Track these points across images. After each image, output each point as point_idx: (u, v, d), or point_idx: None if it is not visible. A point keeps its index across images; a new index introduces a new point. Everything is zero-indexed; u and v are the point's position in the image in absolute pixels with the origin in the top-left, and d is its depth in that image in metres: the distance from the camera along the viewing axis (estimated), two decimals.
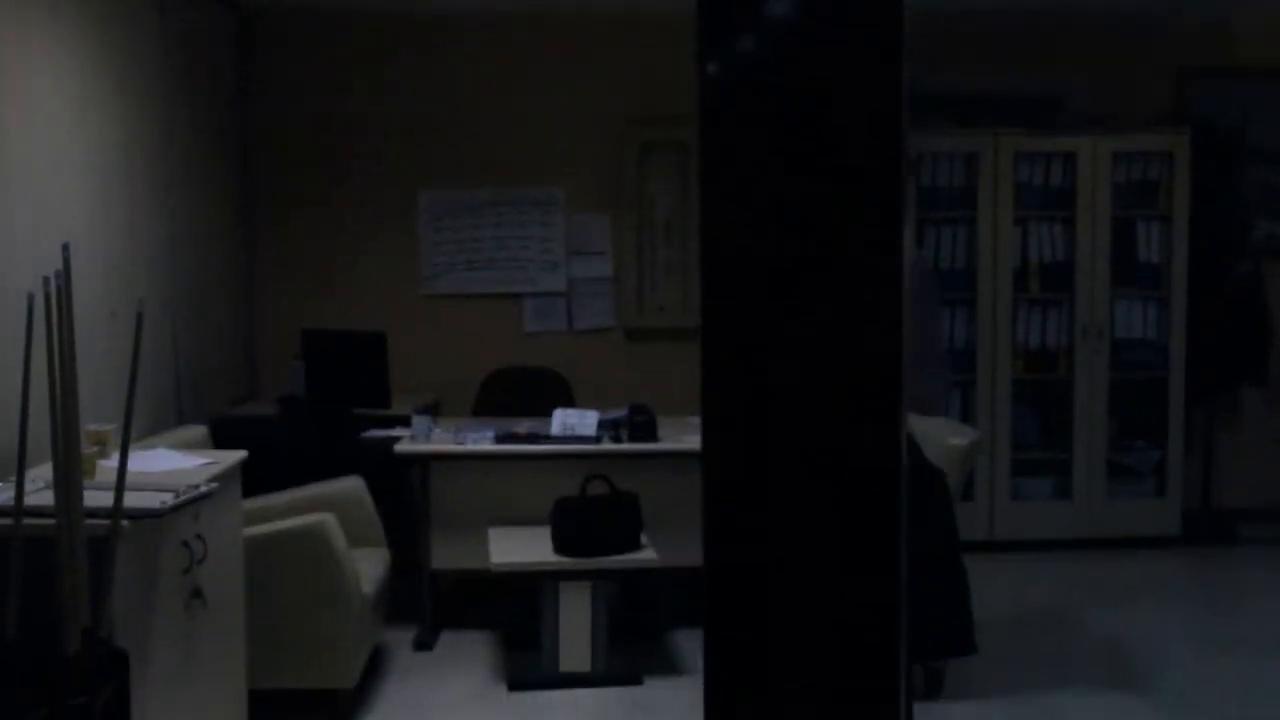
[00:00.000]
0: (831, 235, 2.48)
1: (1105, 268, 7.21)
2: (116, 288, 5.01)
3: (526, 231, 7.39)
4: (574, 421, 5.74)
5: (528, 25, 7.24)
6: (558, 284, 7.41)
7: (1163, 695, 5.01)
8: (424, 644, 5.60)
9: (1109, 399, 7.29)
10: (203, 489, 3.80)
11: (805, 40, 2.48)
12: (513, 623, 5.76)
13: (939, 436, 5.10)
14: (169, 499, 3.57)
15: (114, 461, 3.44)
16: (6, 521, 3.20)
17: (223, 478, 4.07)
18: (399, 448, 5.63)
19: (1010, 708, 4.88)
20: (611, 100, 7.31)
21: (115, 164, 5.13)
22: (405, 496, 5.67)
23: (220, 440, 5.23)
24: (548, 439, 5.67)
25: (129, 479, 3.35)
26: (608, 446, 5.64)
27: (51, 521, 3.19)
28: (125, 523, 3.33)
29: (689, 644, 5.55)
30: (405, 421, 5.84)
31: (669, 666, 5.36)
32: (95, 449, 3.94)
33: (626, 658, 5.29)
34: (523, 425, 5.80)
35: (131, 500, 3.39)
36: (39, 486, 3.44)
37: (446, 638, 5.72)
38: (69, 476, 3.19)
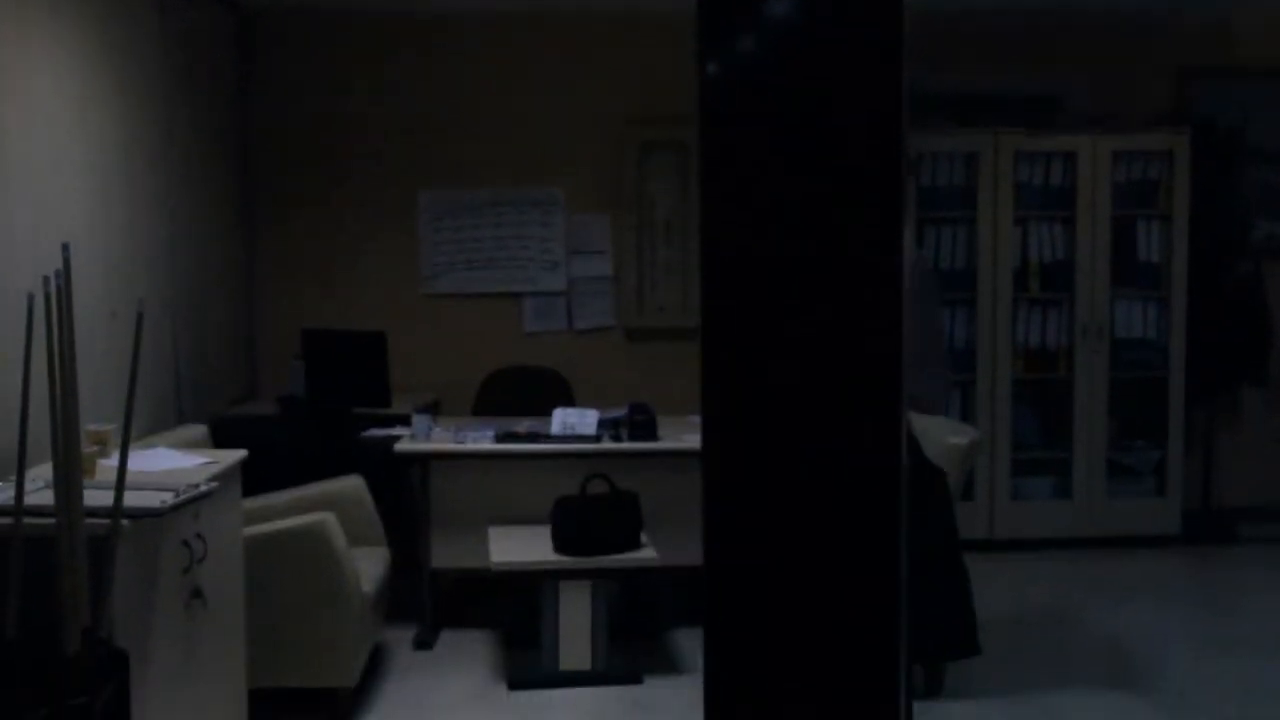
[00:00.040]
0: (831, 235, 2.48)
1: (1105, 267, 7.22)
2: (117, 287, 5.01)
3: (526, 231, 7.39)
4: (574, 421, 5.74)
5: (528, 25, 7.24)
6: (558, 284, 7.42)
7: (1163, 695, 5.01)
8: (424, 643, 5.60)
9: (1109, 398, 7.29)
10: (203, 488, 3.80)
11: (805, 40, 2.48)
12: (513, 622, 5.76)
13: (939, 436, 5.10)
14: (169, 498, 3.57)
15: (114, 461, 3.44)
16: (6, 521, 3.20)
17: (223, 477, 4.07)
18: (399, 447, 5.63)
19: (1010, 707, 4.88)
20: (611, 100, 7.31)
21: (115, 164, 5.13)
22: (405, 496, 5.67)
23: (220, 440, 5.23)
24: (548, 438, 5.67)
25: (129, 478, 3.35)
26: (608, 446, 5.64)
27: (51, 521, 3.19)
28: (125, 522, 3.34)
29: (689, 643, 5.55)
30: (405, 421, 5.84)
31: (669, 665, 5.36)
32: (95, 448, 3.94)
33: (627, 657, 5.30)
34: (523, 424, 5.81)
35: (131, 500, 3.39)
36: (39, 486, 3.44)
37: (446, 637, 5.72)
38: (69, 476, 3.19)
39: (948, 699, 4.91)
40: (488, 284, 7.38)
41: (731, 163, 2.49)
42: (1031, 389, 7.34)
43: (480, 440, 5.66)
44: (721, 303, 2.51)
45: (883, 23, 2.44)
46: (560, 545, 5.15)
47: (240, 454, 4.38)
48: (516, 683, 5.15)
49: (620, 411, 5.81)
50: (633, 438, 5.67)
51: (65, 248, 3.25)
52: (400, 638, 5.61)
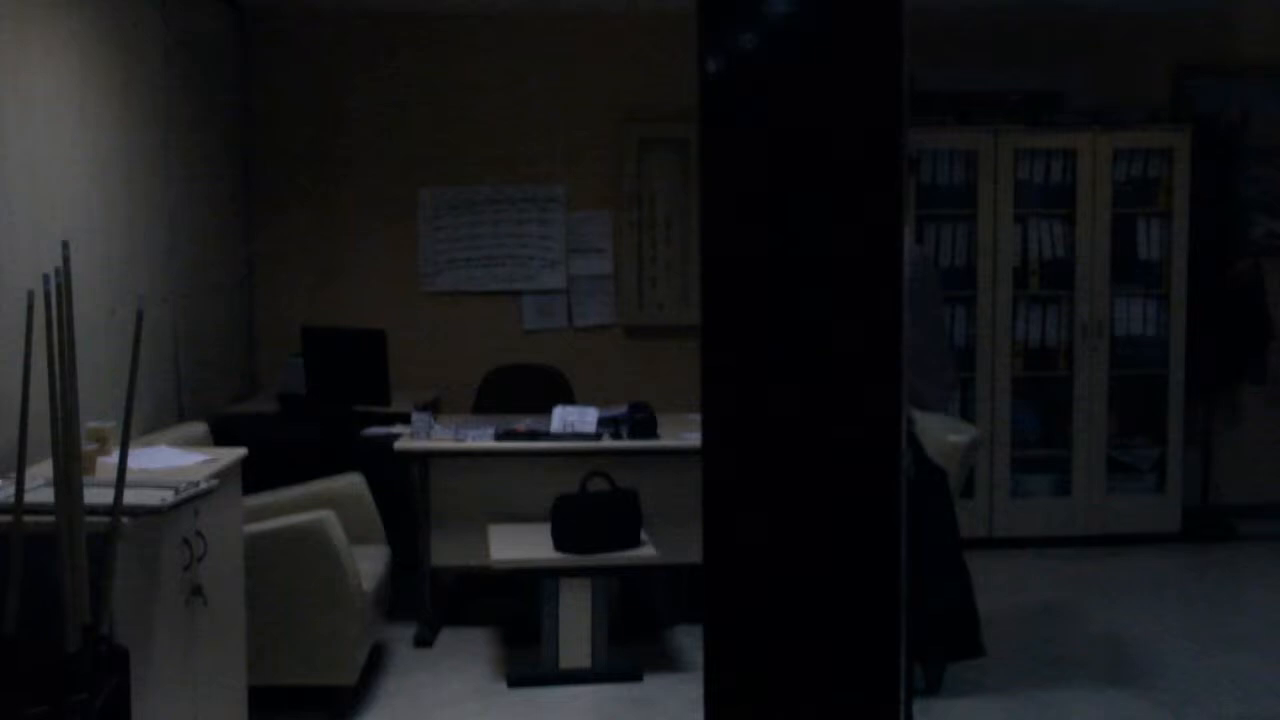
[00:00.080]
0: (831, 232, 2.48)
1: (1105, 265, 7.22)
2: (117, 285, 5.02)
3: (526, 229, 7.39)
4: (574, 419, 5.74)
5: (528, 22, 7.24)
6: (558, 281, 7.42)
7: (1162, 692, 5.02)
8: (424, 641, 5.61)
9: (1109, 396, 7.29)
10: (203, 486, 3.81)
11: (805, 37, 2.48)
12: (513, 620, 5.77)
13: (939, 433, 5.10)
14: (169, 496, 3.57)
15: (114, 459, 3.44)
16: (7, 519, 3.20)
17: (223, 475, 4.07)
18: (399, 445, 5.64)
19: (1010, 705, 4.88)
20: (611, 97, 7.31)
21: (115, 162, 5.13)
22: (405, 494, 5.67)
23: (220, 437, 5.24)
24: (548, 436, 5.67)
25: (129, 476, 3.35)
26: (608, 444, 5.64)
27: (52, 519, 3.19)
28: (125, 520, 3.34)
29: (689, 641, 5.56)
30: (405, 419, 5.84)
31: (669, 663, 5.36)
32: (95, 446, 3.94)
33: (626, 655, 5.30)
34: (523, 422, 5.81)
35: (132, 497, 3.39)
36: (39, 484, 3.44)
37: (446, 634, 5.72)
38: (69, 474, 3.19)
39: (947, 697, 4.91)
40: (488, 282, 7.39)
41: (732, 160, 2.49)
42: (1031, 386, 7.35)
43: (480, 438, 5.66)
44: (721, 300, 2.51)
45: (883, 20, 2.44)
46: (560, 543, 5.15)
47: (240, 452, 4.38)
48: (516, 680, 5.15)
49: (620, 409, 5.81)
50: (633, 436, 5.68)
51: (65, 246, 3.25)
52: (400, 635, 5.61)
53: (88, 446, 3.75)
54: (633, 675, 5.18)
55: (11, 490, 3.22)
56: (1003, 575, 6.45)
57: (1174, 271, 7.25)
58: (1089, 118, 7.25)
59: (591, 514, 5.17)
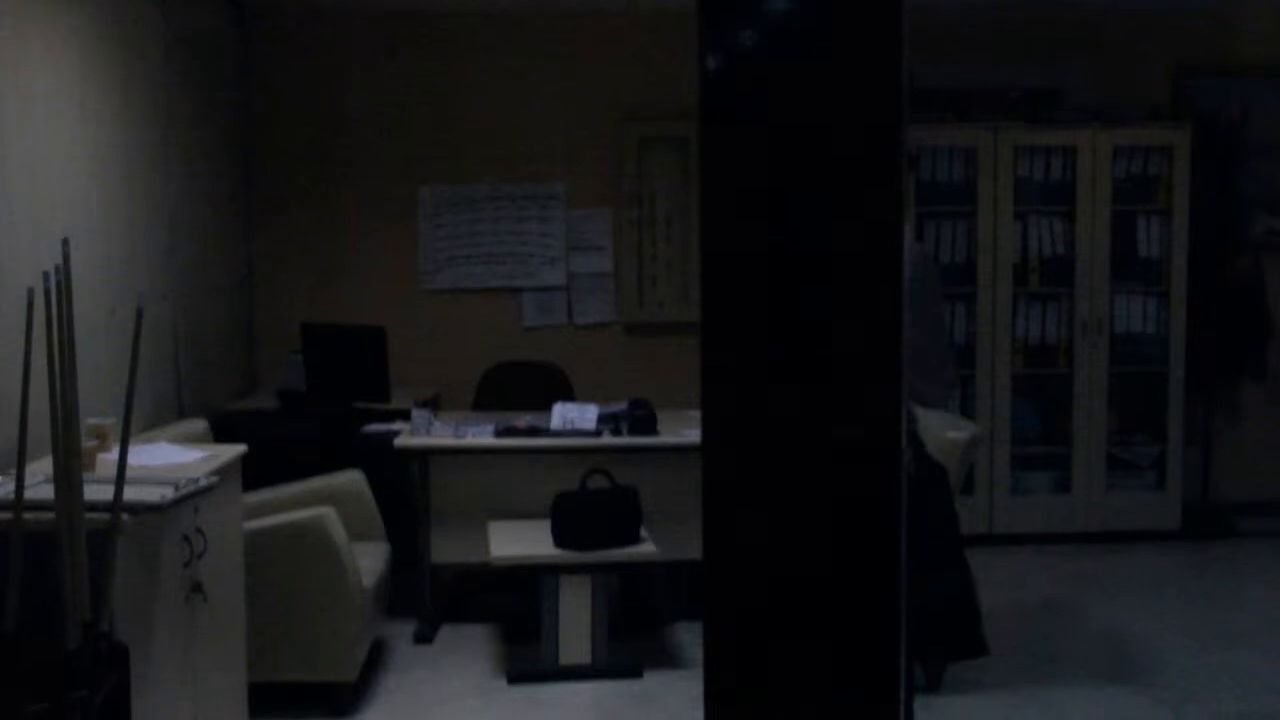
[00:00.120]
0: (831, 230, 2.49)
1: (1105, 262, 7.22)
2: (117, 282, 5.02)
3: (526, 226, 7.39)
4: (574, 415, 5.74)
5: (528, 20, 7.24)
6: (558, 279, 7.42)
7: (1162, 689, 5.02)
8: (424, 637, 5.61)
9: (1108, 393, 7.29)
10: (203, 483, 3.81)
11: (805, 35, 2.48)
12: (513, 616, 5.77)
13: (938, 431, 5.10)
14: (169, 493, 3.57)
15: (114, 455, 3.43)
16: (6, 515, 3.20)
17: (223, 472, 4.07)
18: (399, 442, 5.64)
19: (1010, 702, 4.88)
20: (612, 95, 7.31)
21: (115, 159, 5.13)
22: (405, 490, 5.67)
23: (220, 434, 5.24)
24: (547, 433, 5.67)
25: (129, 473, 3.35)
26: (607, 440, 5.64)
27: (51, 515, 3.19)
28: (125, 517, 3.34)
29: (689, 637, 5.56)
30: (405, 416, 5.84)
31: (669, 660, 5.36)
32: (95, 443, 3.95)
33: (626, 651, 5.30)
34: (522, 419, 5.81)
35: (131, 494, 3.39)
36: (39, 480, 3.44)
37: (446, 631, 5.73)
38: (69, 470, 3.19)
39: (947, 694, 4.91)
40: (488, 279, 7.39)
41: (732, 158, 2.49)
42: (1031, 384, 7.34)
43: (480, 435, 5.66)
44: (721, 298, 2.51)
45: (883, 17, 2.44)
46: (560, 540, 5.15)
47: (240, 449, 4.38)
48: (516, 677, 5.16)
49: (620, 406, 5.81)
50: (632, 432, 5.68)
51: (65, 243, 3.25)
52: (400, 632, 5.61)
53: (88, 443, 3.75)
54: (633, 672, 5.18)
55: (11, 487, 3.22)
56: (1003, 572, 6.45)
57: (1174, 269, 7.25)
58: (1089, 115, 7.24)
59: (591, 511, 5.17)
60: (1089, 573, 6.73)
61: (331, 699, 4.77)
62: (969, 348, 7.20)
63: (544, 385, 6.64)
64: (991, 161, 7.15)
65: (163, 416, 5.49)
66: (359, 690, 4.94)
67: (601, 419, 5.73)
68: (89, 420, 3.91)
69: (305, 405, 6.29)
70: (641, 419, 5.69)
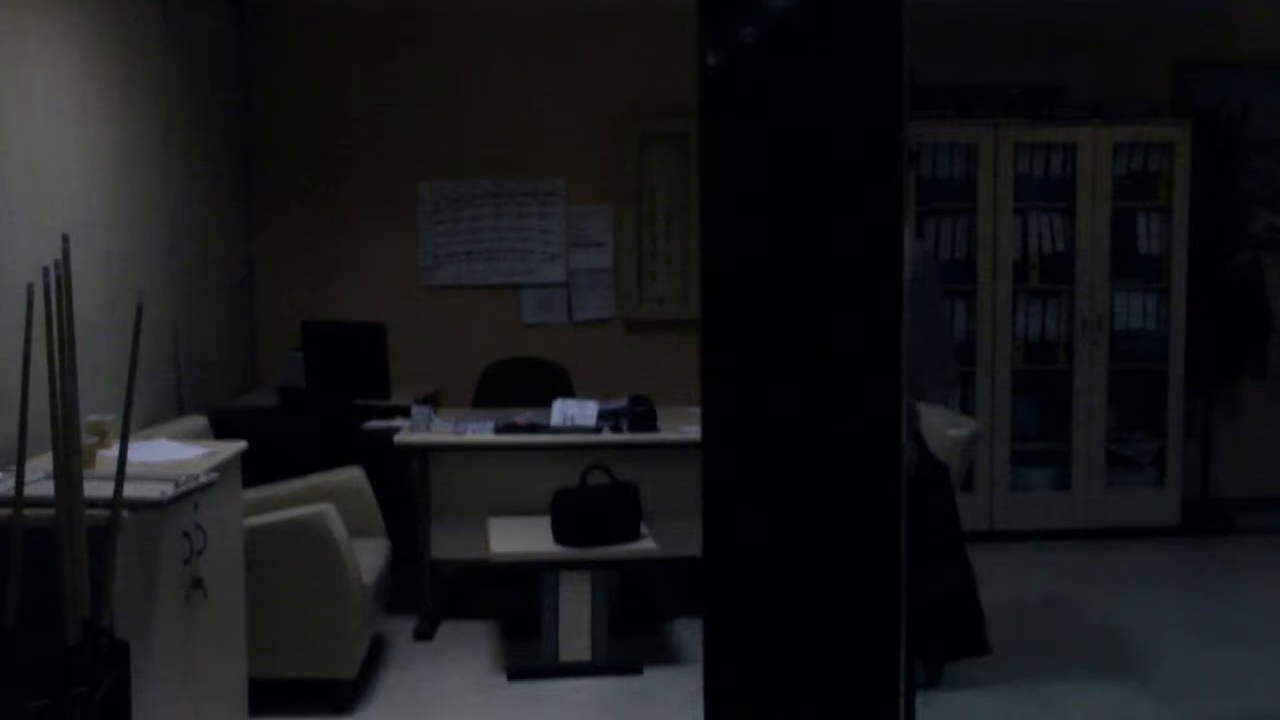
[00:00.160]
0: (831, 227, 2.48)
1: (1105, 259, 7.22)
2: (117, 279, 5.02)
3: (526, 223, 7.39)
4: (574, 412, 5.74)
5: (529, 16, 7.23)
6: (557, 275, 7.42)
7: (1161, 685, 5.02)
8: (424, 634, 5.61)
9: (1108, 390, 7.30)
10: (203, 479, 3.81)
11: (805, 31, 2.47)
12: (513, 613, 5.78)
13: (938, 427, 5.10)
14: (169, 489, 3.57)
15: (114, 452, 3.44)
16: (6, 512, 3.21)
17: (223, 468, 4.08)
18: (399, 438, 5.64)
19: (1010, 698, 4.89)
20: (612, 91, 7.31)
21: (115, 155, 5.13)
22: (405, 487, 5.68)
23: (220, 431, 5.24)
24: (547, 430, 5.67)
25: (129, 469, 3.36)
26: (607, 437, 5.64)
27: (51, 512, 3.19)
28: (125, 513, 3.34)
29: (689, 634, 5.56)
30: (405, 412, 5.85)
31: (669, 656, 5.37)
32: (95, 439, 3.95)
33: (626, 647, 5.30)
34: (522, 416, 5.81)
35: (131, 490, 3.39)
36: (39, 477, 3.44)
37: (446, 628, 5.73)
38: (69, 467, 3.19)
39: (947, 690, 4.92)
40: (488, 275, 7.39)
41: (732, 154, 2.49)
42: (1031, 380, 7.35)
43: (480, 431, 5.67)
44: (721, 294, 2.51)
45: (883, 14, 2.44)
46: (560, 536, 5.15)
47: (240, 445, 4.38)
48: (516, 673, 5.16)
49: (620, 403, 5.82)
50: (632, 429, 5.68)
51: (65, 239, 3.25)
52: (400, 629, 5.61)
53: (88, 440, 3.75)
54: (633, 668, 5.18)
55: (11, 483, 3.22)
56: (1002, 569, 6.45)
57: (1174, 265, 7.25)
58: (1089, 111, 7.25)
59: (591, 507, 5.18)
60: (1089, 569, 6.74)
61: (332, 695, 4.78)
62: (969, 344, 7.21)
63: (544, 382, 6.64)
64: (992, 158, 7.16)
65: (163, 413, 5.49)
66: (359, 687, 4.94)
67: (601, 415, 5.73)
68: (89, 417, 3.91)
69: (305, 402, 6.30)
70: (641, 415, 5.69)
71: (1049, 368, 7.33)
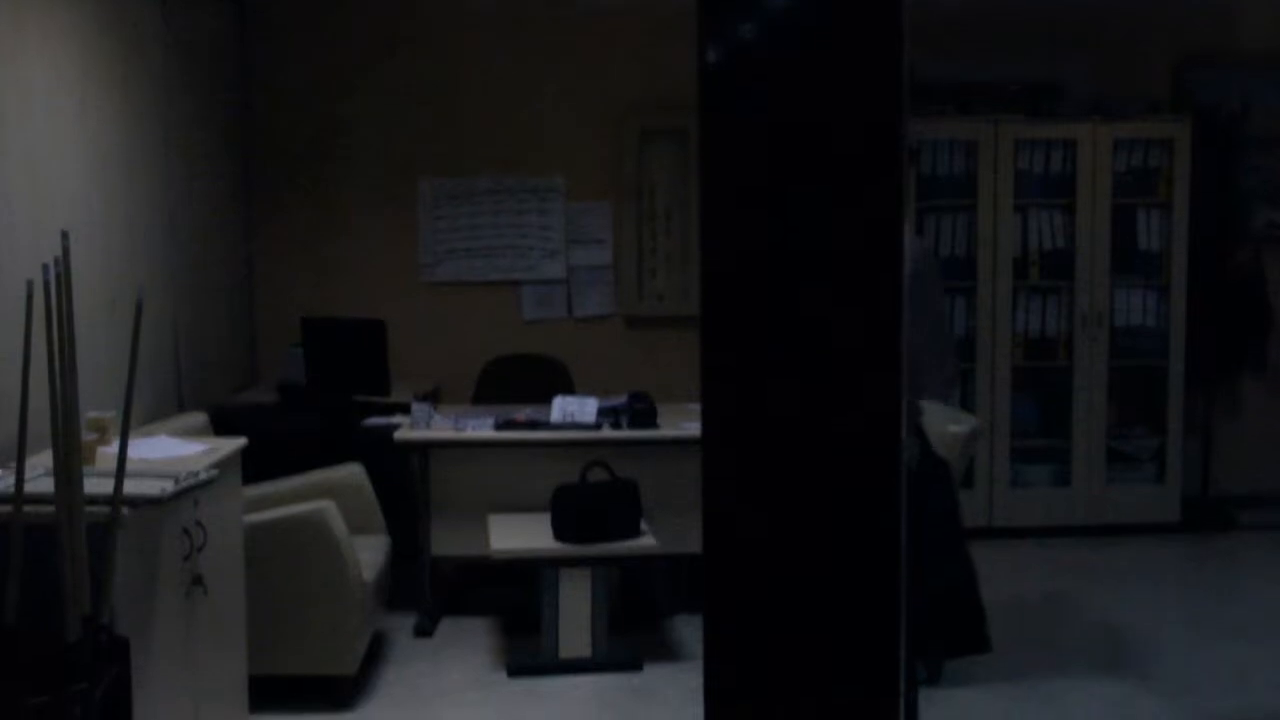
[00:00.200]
0: (831, 223, 2.48)
1: (1105, 255, 7.22)
2: (117, 275, 5.01)
3: (526, 219, 7.38)
4: (574, 409, 5.74)
5: (529, 12, 7.22)
6: (557, 272, 7.41)
7: (1161, 681, 5.02)
8: (424, 630, 5.61)
9: (1108, 386, 7.30)
10: (203, 476, 3.81)
11: (805, 28, 2.47)
12: (513, 609, 5.78)
13: (939, 424, 5.09)
14: (169, 486, 3.57)
15: (114, 448, 3.44)
16: (7, 508, 3.21)
17: (223, 465, 4.08)
18: (399, 435, 5.64)
19: (1010, 694, 4.89)
20: (612, 87, 7.30)
21: (115, 152, 5.12)
22: (405, 484, 5.68)
23: (220, 427, 5.24)
24: (547, 426, 5.67)
25: (129, 466, 3.35)
26: (607, 434, 5.64)
27: (51, 509, 3.19)
28: (125, 510, 3.34)
29: (689, 630, 5.56)
30: (405, 409, 5.85)
31: (669, 653, 5.37)
32: (95, 436, 3.95)
33: (626, 644, 5.31)
34: (522, 412, 5.81)
35: (131, 487, 3.39)
36: (39, 473, 3.44)
37: (447, 624, 5.73)
38: (69, 463, 3.19)
39: (947, 686, 4.92)
40: (487, 272, 7.38)
41: (732, 151, 2.49)
42: (1031, 377, 7.35)
43: (480, 428, 5.67)
44: (721, 291, 2.51)
45: (883, 10, 2.44)
46: (560, 533, 5.15)
47: (240, 442, 4.38)
48: (516, 670, 5.16)
49: (620, 399, 5.82)
50: (632, 426, 5.68)
51: (65, 235, 3.25)
52: (400, 625, 5.62)
53: (87, 436, 3.75)
54: (633, 665, 5.18)
55: (11, 480, 3.22)
56: (1002, 565, 6.44)
57: (1174, 262, 7.25)
58: (1089, 108, 7.24)
59: (591, 504, 5.18)
60: (1089, 566, 6.74)
61: (331, 692, 4.78)
62: (969, 341, 7.21)
63: (544, 378, 6.64)
64: (992, 155, 7.15)
65: (163, 410, 5.49)
66: (359, 683, 4.94)
67: (601, 412, 5.73)
68: (89, 413, 3.91)
69: (305, 399, 6.29)
70: (641, 412, 5.69)
71: (1049, 364, 7.33)
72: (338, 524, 4.74)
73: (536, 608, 5.22)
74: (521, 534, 5.22)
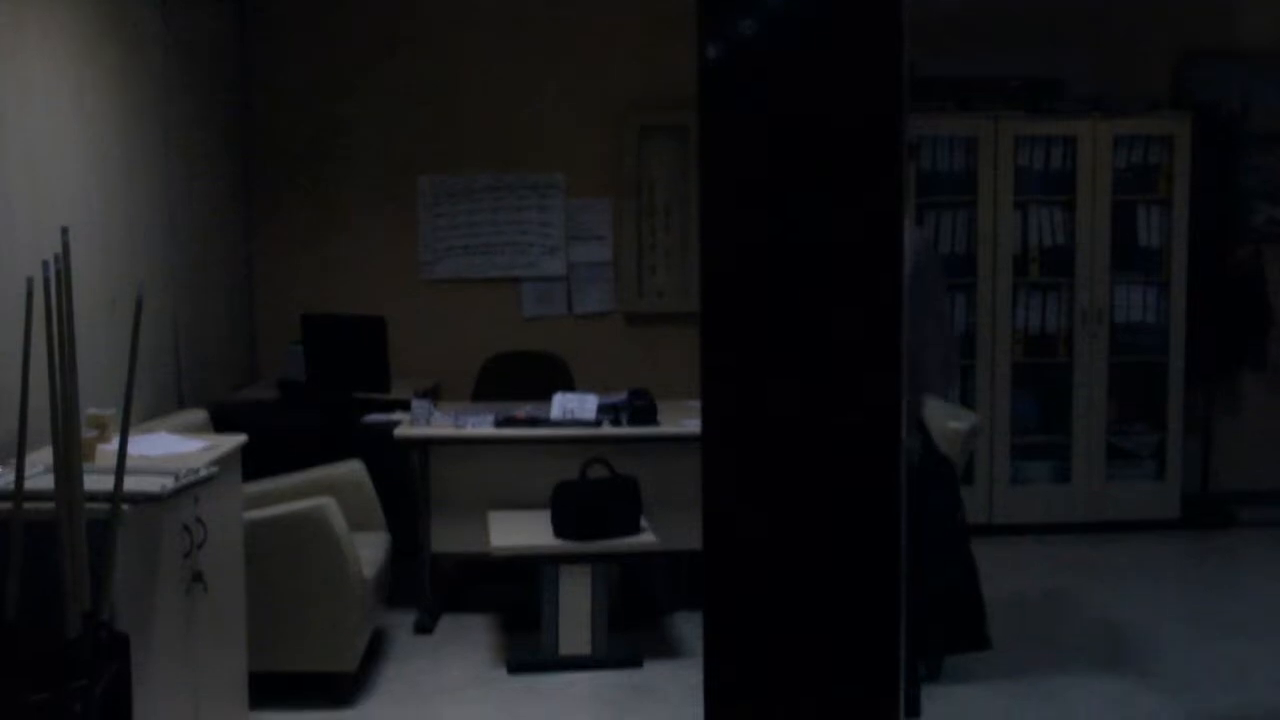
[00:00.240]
0: (831, 220, 2.48)
1: (1105, 252, 7.21)
2: (116, 272, 5.01)
3: (526, 216, 7.38)
4: (574, 405, 5.74)
5: (529, 12, 7.22)
6: (557, 268, 7.41)
7: (1161, 678, 5.02)
8: (424, 627, 5.61)
9: (1108, 383, 7.30)
10: (203, 473, 3.81)
11: (805, 24, 2.47)
12: (513, 606, 5.78)
13: (939, 421, 5.09)
14: (169, 483, 3.57)
15: (114, 446, 3.44)
16: (7, 506, 3.21)
17: (223, 462, 4.08)
18: (399, 432, 5.64)
19: (1010, 691, 4.89)
20: (612, 84, 7.30)
21: (115, 149, 5.12)
22: (405, 480, 5.68)
23: (220, 424, 5.24)
24: (547, 423, 5.67)
25: (129, 463, 3.36)
26: (607, 430, 5.64)
27: (52, 505, 3.19)
28: (125, 507, 3.34)
29: (689, 627, 5.57)
30: (405, 406, 5.84)
31: (669, 649, 5.37)
32: (95, 433, 3.95)
33: (626, 641, 5.31)
34: (522, 409, 5.81)
35: (131, 484, 3.39)
36: (39, 471, 3.44)
37: (447, 621, 5.73)
38: (69, 460, 3.19)
39: (947, 683, 4.92)
40: (487, 269, 7.38)
41: (731, 147, 2.49)
42: (1031, 373, 7.35)
43: (480, 425, 5.67)
44: (721, 287, 2.51)
45: (883, 6, 2.44)
46: (560, 530, 5.15)
47: (240, 439, 4.38)
48: (516, 666, 5.16)
49: (620, 396, 5.81)
50: (632, 422, 5.68)
51: (64, 232, 3.25)
52: (400, 622, 5.62)
53: (88, 433, 3.75)
54: (633, 661, 5.19)
55: (11, 477, 3.22)
56: (1003, 562, 6.44)
57: (1174, 259, 7.25)
58: (1089, 104, 7.24)
59: (591, 501, 5.17)
60: (1089, 562, 6.74)
61: (332, 689, 4.78)
62: (969, 338, 7.20)
63: (544, 375, 6.64)
64: (992, 151, 7.15)
65: (163, 407, 5.49)
66: (359, 680, 4.94)
67: (601, 409, 5.73)
68: (89, 410, 3.91)
69: (305, 395, 6.29)
70: (641, 409, 5.69)
71: (1049, 361, 7.33)
72: (338, 521, 4.74)
73: (536, 604, 5.22)
74: (521, 531, 5.23)
